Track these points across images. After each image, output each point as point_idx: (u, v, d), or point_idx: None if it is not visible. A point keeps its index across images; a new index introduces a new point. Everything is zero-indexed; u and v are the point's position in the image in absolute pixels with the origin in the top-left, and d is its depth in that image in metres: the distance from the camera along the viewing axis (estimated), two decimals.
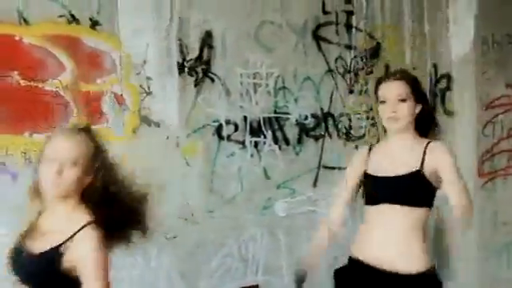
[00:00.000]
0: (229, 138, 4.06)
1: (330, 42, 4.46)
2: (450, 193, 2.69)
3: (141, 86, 3.81)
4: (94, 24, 3.65)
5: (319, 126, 4.44)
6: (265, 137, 4.21)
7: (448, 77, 4.98)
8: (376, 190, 2.87)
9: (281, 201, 4.28)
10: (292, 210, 4.30)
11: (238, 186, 4.10)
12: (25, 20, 3.46)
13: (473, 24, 4.88)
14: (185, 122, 3.90)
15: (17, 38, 3.46)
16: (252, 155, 4.15)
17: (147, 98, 3.83)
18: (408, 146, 2.84)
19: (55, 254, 2.21)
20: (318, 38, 4.41)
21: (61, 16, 3.56)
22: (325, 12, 4.42)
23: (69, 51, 3.59)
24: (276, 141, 4.27)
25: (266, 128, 4.23)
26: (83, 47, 3.63)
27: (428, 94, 4.84)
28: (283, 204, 4.29)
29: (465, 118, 4.95)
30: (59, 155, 2.23)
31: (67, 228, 2.24)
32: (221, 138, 4.03)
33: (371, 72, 4.65)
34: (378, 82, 2.94)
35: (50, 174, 2.22)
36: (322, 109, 4.46)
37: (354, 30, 4.56)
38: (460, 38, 4.90)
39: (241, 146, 4.10)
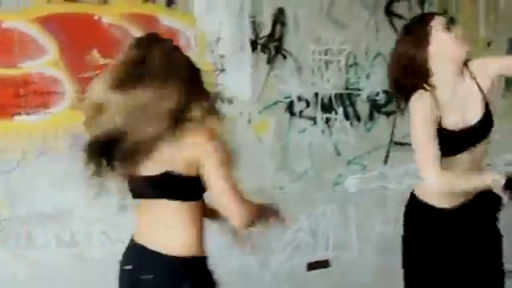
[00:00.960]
0: (300, 114, 4.00)
1: (402, 18, 4.23)
2: None
3: (214, 63, 3.77)
4: (170, 3, 3.63)
5: (391, 102, 4.28)
6: (336, 113, 4.13)
7: None
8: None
9: (351, 177, 4.20)
10: (363, 186, 4.22)
11: (309, 161, 4.03)
12: (104, 0, 3.47)
13: None
14: (257, 98, 3.86)
15: (96, 18, 3.48)
16: (323, 131, 4.08)
17: (221, 74, 3.79)
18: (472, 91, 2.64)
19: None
20: (390, 13, 4.25)
21: None
22: None
23: (145, 29, 3.52)
24: (347, 117, 4.18)
25: (338, 104, 4.14)
26: (159, 25, 3.60)
27: None
28: (354, 180, 4.21)
29: None
30: None
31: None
32: (292, 114, 3.98)
33: None
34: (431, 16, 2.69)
35: None
36: None
37: (427, 5, 4.37)
38: None
39: (312, 122, 4.04)
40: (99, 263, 3.51)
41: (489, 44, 4.54)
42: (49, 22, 3.35)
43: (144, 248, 2.20)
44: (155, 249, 2.17)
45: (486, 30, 4.57)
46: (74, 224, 3.49)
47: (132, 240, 2.31)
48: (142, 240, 2.23)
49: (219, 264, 3.73)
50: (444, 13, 4.35)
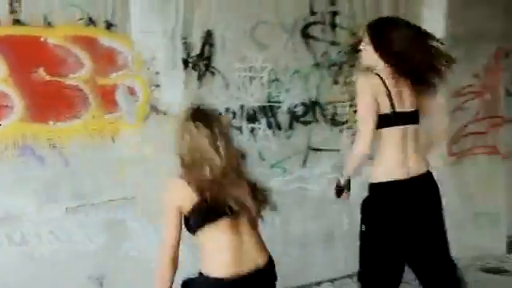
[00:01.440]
0: None
1: (317, 39, 4.55)
2: None
3: (150, 79, 3.94)
4: (109, 26, 3.79)
5: (308, 113, 4.55)
6: (259, 123, 4.34)
7: None
8: None
9: (274, 179, 4.38)
10: (284, 187, 4.43)
11: None
12: (49, 23, 3.62)
13: (443, 22, 4.92)
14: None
15: (42, 39, 3.62)
16: (248, 139, 4.27)
17: (156, 90, 3.96)
18: None
19: None
20: (306, 35, 4.50)
21: (80, 19, 3.71)
22: (312, 13, 4.51)
23: (87, 50, 3.73)
24: (269, 126, 4.40)
25: (261, 115, 4.36)
26: (99, 46, 3.78)
27: None
28: (276, 182, 4.38)
29: None
30: None
31: None
32: None
33: (353, 65, 4.70)
34: None
35: None
36: (310, 98, 4.57)
37: (338, 28, 4.64)
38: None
39: (239, 131, 4.21)
40: (48, 260, 3.69)
41: None
42: None
43: (256, 270, 2.46)
44: (261, 263, 2.50)
45: None
46: (23, 226, 3.62)
47: (226, 279, 2.39)
48: (247, 266, 2.44)
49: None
50: (353, 34, 4.72)
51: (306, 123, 4.56)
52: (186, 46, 4.06)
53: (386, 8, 4.84)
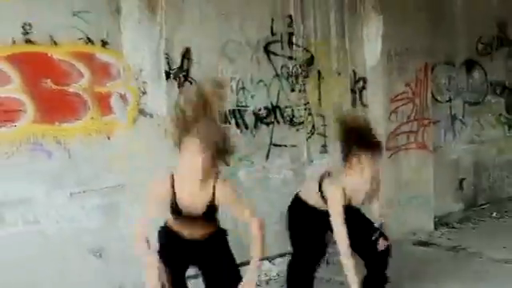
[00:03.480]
0: None
1: (276, 55, 4.79)
2: None
3: (139, 88, 4.10)
4: (104, 44, 3.95)
5: (270, 115, 4.76)
6: (230, 123, 4.47)
7: (364, 79, 5.27)
8: None
9: (243, 170, 4.58)
10: (251, 176, 4.63)
11: None
12: (55, 42, 3.77)
13: (380, 41, 5.20)
14: (170, 114, 3.84)
15: (49, 55, 3.78)
16: None
17: (143, 96, 4.11)
18: None
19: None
20: (268, 51, 4.73)
21: (80, 38, 3.87)
22: (273, 33, 4.76)
23: (86, 64, 3.90)
24: (238, 126, 4.57)
25: (231, 117, 4.53)
26: (96, 60, 3.93)
27: (349, 92, 5.23)
28: (244, 172, 4.60)
29: (375, 108, 5.28)
30: None
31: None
32: None
33: (307, 76, 4.98)
34: None
35: None
36: (271, 103, 4.79)
37: (294, 46, 4.87)
38: (372, 51, 5.20)
39: None
40: (56, 236, 3.79)
41: (339, 74, 5.13)
42: (14, 58, 3.61)
43: None
44: None
45: (337, 63, 5.12)
46: (35, 208, 3.71)
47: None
48: None
49: None
50: (306, 51, 4.97)
51: (268, 124, 4.75)
52: (168, 60, 4.18)
53: (333, 30, 5.10)
